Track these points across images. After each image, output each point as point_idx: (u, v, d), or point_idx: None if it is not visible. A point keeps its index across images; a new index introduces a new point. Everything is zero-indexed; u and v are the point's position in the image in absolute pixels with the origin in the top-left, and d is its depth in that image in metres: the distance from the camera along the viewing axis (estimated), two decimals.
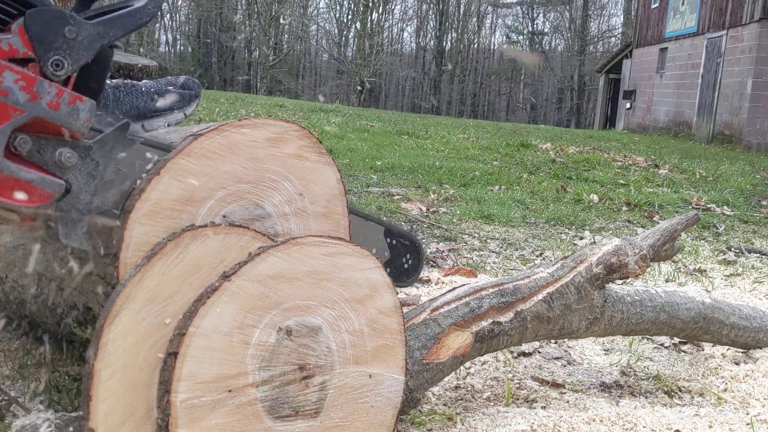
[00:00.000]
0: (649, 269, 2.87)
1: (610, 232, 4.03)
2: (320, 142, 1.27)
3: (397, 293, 1.21)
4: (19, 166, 0.97)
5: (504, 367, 1.83)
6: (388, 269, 1.68)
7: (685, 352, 2.05)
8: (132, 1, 1.08)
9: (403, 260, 1.73)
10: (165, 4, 35.03)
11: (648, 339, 2.13)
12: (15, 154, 0.97)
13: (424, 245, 1.81)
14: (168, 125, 1.50)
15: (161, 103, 1.50)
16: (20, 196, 0.97)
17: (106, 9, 1.12)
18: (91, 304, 1.31)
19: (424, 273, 2.74)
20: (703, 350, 2.05)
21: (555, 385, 1.73)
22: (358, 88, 28.26)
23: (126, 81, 1.48)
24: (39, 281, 1.42)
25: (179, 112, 1.54)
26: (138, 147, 1.11)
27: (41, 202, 0.99)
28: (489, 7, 38.54)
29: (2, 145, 0.94)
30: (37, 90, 0.95)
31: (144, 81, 1.53)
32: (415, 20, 38.10)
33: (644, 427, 1.40)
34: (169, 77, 1.57)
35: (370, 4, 30.84)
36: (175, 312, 1.00)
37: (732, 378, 1.79)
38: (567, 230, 3.98)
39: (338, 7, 36.09)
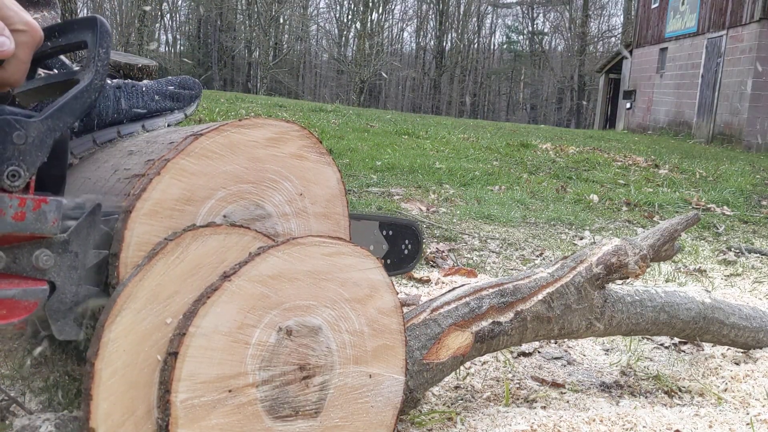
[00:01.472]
0: (649, 269, 2.87)
1: (610, 232, 4.03)
2: (320, 142, 1.27)
3: (398, 293, 1.21)
4: None
5: (504, 367, 1.83)
6: (389, 260, 1.70)
7: (685, 352, 2.05)
8: (75, 73, 1.02)
9: (402, 247, 1.75)
10: (165, 4, 35.01)
11: (648, 339, 2.13)
12: None
13: (420, 225, 1.83)
14: (168, 125, 1.50)
15: (161, 103, 1.49)
16: (5, 314, 0.92)
17: (51, 81, 1.07)
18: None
19: (424, 273, 2.74)
20: (703, 350, 2.05)
21: (555, 385, 1.73)
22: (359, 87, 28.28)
23: (126, 81, 1.48)
24: None
25: (179, 112, 1.53)
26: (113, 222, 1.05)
27: (28, 312, 0.94)
28: (489, 7, 38.56)
29: None
30: None
31: (144, 81, 1.53)
32: (415, 20, 38.13)
33: (644, 427, 1.40)
34: (169, 77, 1.57)
35: (370, 4, 30.85)
36: (175, 312, 1.00)
37: (732, 378, 1.79)
38: (567, 230, 3.98)
39: (338, 7, 36.14)
